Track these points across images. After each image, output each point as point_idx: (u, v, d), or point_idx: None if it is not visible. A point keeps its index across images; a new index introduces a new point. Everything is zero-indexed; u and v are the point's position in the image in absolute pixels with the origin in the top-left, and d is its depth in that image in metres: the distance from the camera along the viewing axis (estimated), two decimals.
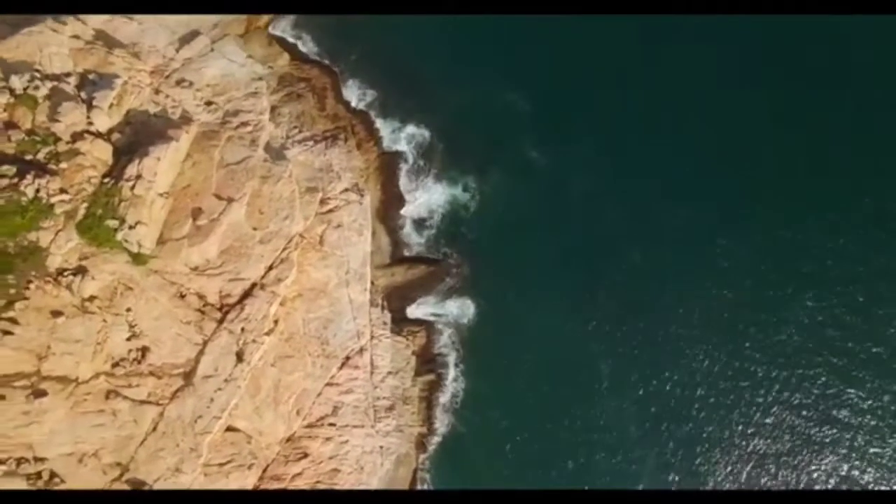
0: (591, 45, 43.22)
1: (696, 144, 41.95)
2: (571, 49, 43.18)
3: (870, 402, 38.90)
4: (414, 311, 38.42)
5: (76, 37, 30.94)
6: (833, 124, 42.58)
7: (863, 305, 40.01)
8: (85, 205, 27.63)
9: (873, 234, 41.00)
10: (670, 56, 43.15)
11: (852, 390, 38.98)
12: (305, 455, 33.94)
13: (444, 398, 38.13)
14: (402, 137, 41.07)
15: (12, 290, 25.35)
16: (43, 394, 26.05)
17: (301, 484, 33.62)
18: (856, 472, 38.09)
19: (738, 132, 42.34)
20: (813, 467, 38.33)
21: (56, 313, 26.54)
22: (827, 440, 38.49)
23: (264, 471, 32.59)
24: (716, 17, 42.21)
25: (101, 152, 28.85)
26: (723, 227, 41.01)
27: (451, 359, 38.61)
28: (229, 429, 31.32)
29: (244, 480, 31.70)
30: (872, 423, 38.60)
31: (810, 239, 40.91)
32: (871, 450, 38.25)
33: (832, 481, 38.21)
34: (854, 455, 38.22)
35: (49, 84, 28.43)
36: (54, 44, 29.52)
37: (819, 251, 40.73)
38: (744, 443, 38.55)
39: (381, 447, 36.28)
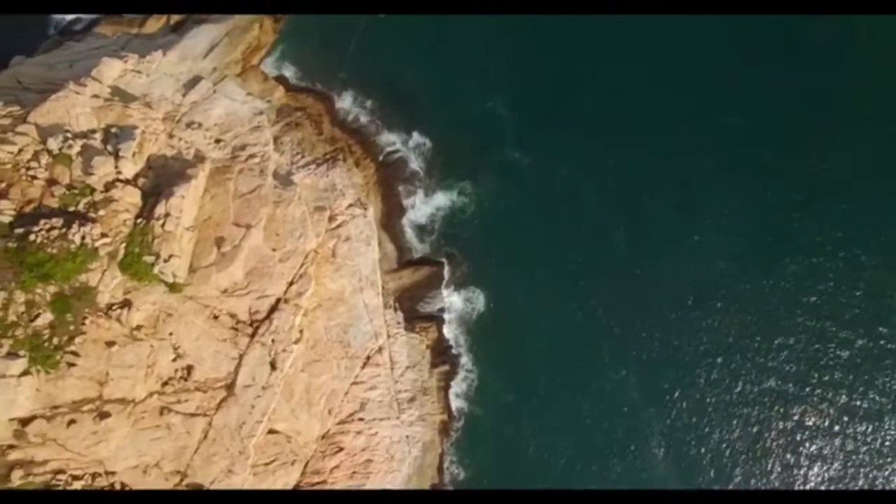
0: (566, 46, 45.92)
1: (670, 134, 44.50)
2: (546, 51, 45.98)
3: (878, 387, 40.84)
4: (424, 309, 41.15)
5: (96, 96, 34.16)
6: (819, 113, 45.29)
7: (851, 280, 42.29)
8: (123, 245, 30.54)
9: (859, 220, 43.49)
10: (642, 54, 45.88)
11: (854, 377, 40.79)
12: (340, 449, 36.83)
13: (459, 386, 40.80)
14: (397, 150, 43.78)
15: (71, 327, 28.44)
16: (107, 415, 29.06)
17: (339, 475, 36.62)
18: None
19: (714, 124, 44.88)
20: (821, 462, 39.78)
21: (110, 343, 29.44)
22: (835, 430, 40.12)
23: (305, 466, 35.54)
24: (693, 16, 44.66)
25: (132, 197, 31.84)
26: (707, 208, 43.52)
27: (463, 349, 41.28)
28: (271, 431, 34.15)
29: (288, 477, 34.82)
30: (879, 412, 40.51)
31: (802, 221, 43.47)
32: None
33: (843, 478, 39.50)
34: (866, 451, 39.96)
35: (80, 142, 31.46)
36: (79, 105, 32.64)
37: (809, 233, 43.25)
38: (752, 435, 40.30)
39: (408, 436, 39.06)
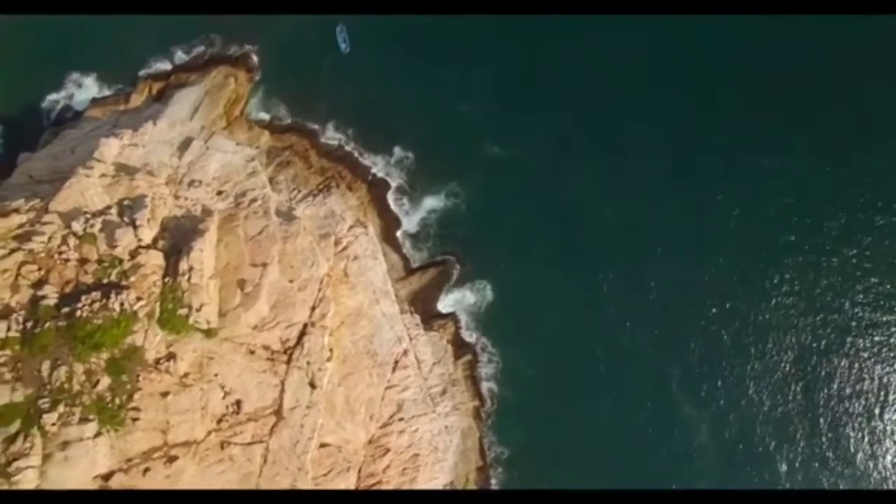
0: (527, 45, 48.51)
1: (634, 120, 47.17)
2: (508, 51, 48.63)
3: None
4: (437, 308, 43.82)
5: (103, 175, 37.03)
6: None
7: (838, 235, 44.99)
8: (158, 304, 33.40)
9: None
10: (616, 49, 48.56)
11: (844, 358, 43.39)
12: (388, 450, 39.57)
13: (484, 372, 43.40)
14: (383, 168, 46.36)
15: (128, 386, 31.30)
16: (175, 458, 31.82)
17: (392, 473, 39.34)
18: None
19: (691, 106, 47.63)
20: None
21: (164, 394, 32.24)
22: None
23: (360, 471, 38.30)
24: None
25: (156, 259, 34.59)
26: (693, 180, 45.98)
27: (481, 337, 43.82)
28: (322, 445, 36.82)
29: (346, 483, 37.45)
30: None
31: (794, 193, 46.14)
32: None
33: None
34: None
35: (99, 219, 34.24)
36: (91, 187, 35.48)
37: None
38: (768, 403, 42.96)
39: (446, 427, 41.75)
